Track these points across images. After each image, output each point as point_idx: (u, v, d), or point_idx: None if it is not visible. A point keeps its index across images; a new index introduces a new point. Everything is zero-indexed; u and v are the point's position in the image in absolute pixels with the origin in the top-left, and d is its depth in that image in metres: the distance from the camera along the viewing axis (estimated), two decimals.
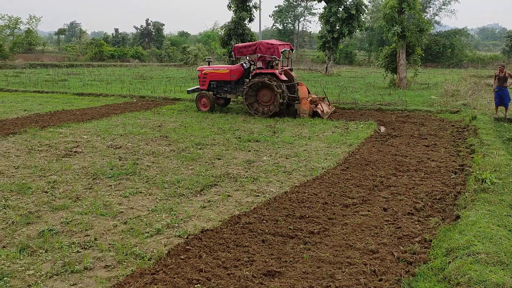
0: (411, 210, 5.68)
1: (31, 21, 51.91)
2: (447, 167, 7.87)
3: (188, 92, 15.64)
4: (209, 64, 15.32)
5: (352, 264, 4.21)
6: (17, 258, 4.30)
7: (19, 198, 5.95)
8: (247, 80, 14.20)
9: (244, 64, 14.49)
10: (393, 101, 16.57)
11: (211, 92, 14.53)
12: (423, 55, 25.26)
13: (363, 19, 34.02)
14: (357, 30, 33.67)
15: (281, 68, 13.96)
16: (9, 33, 49.63)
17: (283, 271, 4.08)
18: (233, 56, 14.22)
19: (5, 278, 3.93)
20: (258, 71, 13.55)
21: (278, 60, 13.70)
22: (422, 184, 6.82)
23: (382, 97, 17.60)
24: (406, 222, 5.30)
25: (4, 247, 4.55)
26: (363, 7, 31.56)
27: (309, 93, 14.21)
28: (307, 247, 4.61)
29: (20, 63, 37.10)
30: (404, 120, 13.05)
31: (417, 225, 5.20)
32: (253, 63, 14.26)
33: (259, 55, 13.52)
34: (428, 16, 53.24)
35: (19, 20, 49.78)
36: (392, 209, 5.75)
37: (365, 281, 3.89)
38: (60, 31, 63.30)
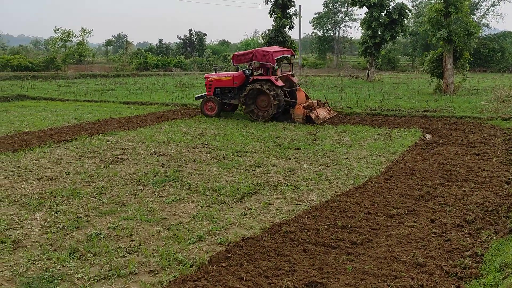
0: (460, 222, 5.44)
1: (82, 34, 54.44)
2: (500, 177, 7.48)
3: (196, 98, 16.32)
4: (215, 72, 16.08)
5: (398, 278, 4.07)
6: (67, 261, 4.47)
7: (70, 203, 6.21)
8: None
9: (246, 71, 15.08)
10: (439, 108, 16.01)
11: (217, 98, 15.17)
12: (471, 59, 24.29)
13: (407, 24, 33.25)
14: (400, 35, 32.92)
15: (280, 74, 14.61)
16: (61, 45, 52.27)
17: (325, 282, 4.01)
18: (232, 64, 14.99)
19: (55, 281, 4.09)
20: (255, 77, 14.19)
21: (274, 67, 14.38)
22: (472, 195, 6.52)
23: (427, 104, 17.06)
24: (455, 234, 5.07)
25: (55, 250, 4.75)
26: (406, 11, 30.84)
27: (307, 98, 14.87)
28: (350, 258, 4.51)
29: (72, 74, 38.89)
30: (452, 127, 12.56)
31: (468, 238, 4.97)
32: (252, 70, 14.86)
33: (255, 62, 14.24)
34: (475, 18, 51.27)
35: (71, 33, 52.35)
36: (440, 220, 5.52)
37: None
38: (108, 43, 65.89)
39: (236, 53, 15.15)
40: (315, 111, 14.05)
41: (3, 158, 8.81)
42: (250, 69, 14.87)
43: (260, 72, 14.63)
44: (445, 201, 6.25)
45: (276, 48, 15.42)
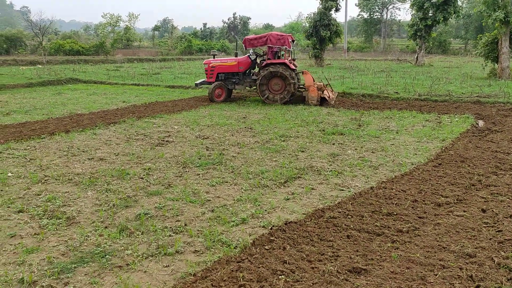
0: None
1: (130, 19, 55.89)
2: None
3: (196, 85, 15.91)
4: (214, 58, 15.73)
5: (445, 267, 3.95)
6: (117, 238, 4.67)
7: (119, 183, 6.46)
8: (254, 71, 15.02)
9: (250, 56, 14.93)
10: (493, 93, 15.23)
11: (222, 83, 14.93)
12: None
13: (460, 5, 31.62)
14: (453, 17, 31.37)
15: (287, 58, 14.66)
16: (110, 30, 53.88)
17: (369, 269, 3.96)
18: (244, 47, 14.76)
19: (107, 256, 4.29)
20: (269, 61, 14.17)
21: (289, 50, 14.59)
22: None
23: (480, 89, 16.27)
24: (508, 225, 4.84)
25: (106, 227, 4.97)
26: None
27: (313, 81, 14.86)
28: (395, 245, 4.42)
29: (120, 58, 40.07)
30: (507, 114, 11.93)
31: None
32: (259, 54, 14.96)
33: (270, 46, 14.20)
34: None
35: (119, 18, 53.84)
36: (492, 210, 5.29)
37: (460, 286, 3.63)
38: (156, 28, 67.23)
39: (247, 36, 14.95)
40: (326, 92, 14.37)
41: (58, 138, 9.27)
42: (254, 54, 14.88)
43: (264, 56, 14.72)
44: (497, 191, 5.97)
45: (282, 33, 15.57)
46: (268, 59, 14.40)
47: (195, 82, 16.30)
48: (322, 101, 14.19)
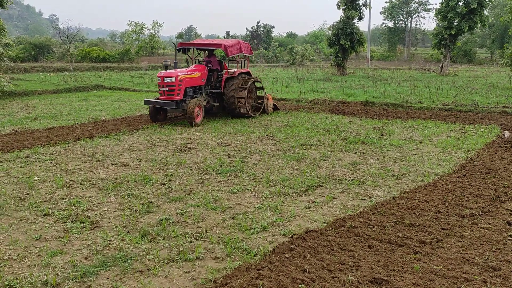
0: None
1: (154, 27, 56.92)
2: None
3: (146, 102, 12.39)
4: (166, 69, 12.38)
5: (469, 280, 3.87)
6: (139, 243, 4.74)
7: (141, 189, 6.55)
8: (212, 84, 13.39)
9: (207, 66, 13.22)
10: None
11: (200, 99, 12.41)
12: None
13: (486, 14, 31.07)
14: (478, 26, 30.82)
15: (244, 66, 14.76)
16: (135, 38, 54.94)
17: (391, 280, 3.91)
18: (226, 55, 13.12)
19: (128, 261, 4.35)
20: (240, 70, 13.74)
21: (250, 58, 14.84)
22: None
23: (507, 99, 15.90)
24: None
25: (128, 232, 5.05)
26: (486, 0, 28.76)
27: None
28: (418, 257, 4.35)
29: (145, 65, 40.72)
30: None
31: None
32: (211, 65, 13.30)
33: (244, 54, 14.09)
34: None
35: (144, 26, 54.88)
36: None
37: None
38: (179, 36, 68.10)
39: (227, 44, 13.15)
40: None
41: (83, 144, 9.48)
42: (206, 63, 13.22)
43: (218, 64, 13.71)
44: None
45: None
46: (215, 68, 13.36)
47: (149, 99, 12.43)
48: (275, 107, 14.90)
